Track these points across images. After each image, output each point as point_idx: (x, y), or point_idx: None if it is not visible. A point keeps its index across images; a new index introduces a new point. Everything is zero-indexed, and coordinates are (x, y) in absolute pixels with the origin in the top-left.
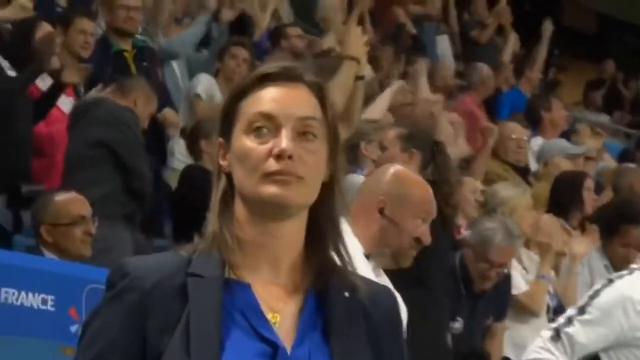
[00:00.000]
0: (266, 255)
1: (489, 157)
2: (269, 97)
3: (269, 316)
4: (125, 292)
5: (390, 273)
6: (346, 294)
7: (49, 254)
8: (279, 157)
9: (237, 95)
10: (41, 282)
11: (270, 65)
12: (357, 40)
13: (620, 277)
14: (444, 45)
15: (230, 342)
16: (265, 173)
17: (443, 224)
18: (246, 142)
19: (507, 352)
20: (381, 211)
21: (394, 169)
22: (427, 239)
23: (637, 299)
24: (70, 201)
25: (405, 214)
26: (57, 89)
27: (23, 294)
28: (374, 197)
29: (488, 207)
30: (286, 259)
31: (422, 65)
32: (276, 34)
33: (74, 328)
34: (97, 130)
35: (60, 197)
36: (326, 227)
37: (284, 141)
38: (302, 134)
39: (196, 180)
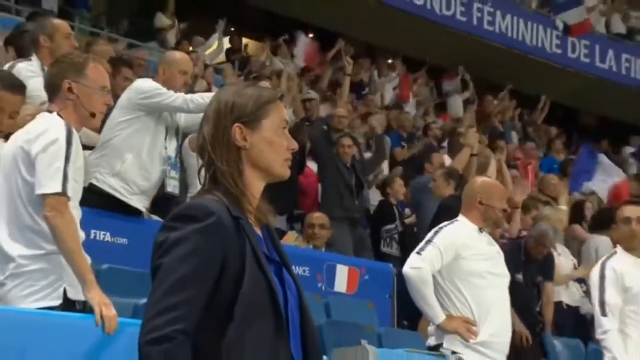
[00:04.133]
0: (254, 204)
1: None
2: (284, 110)
3: None
4: (215, 226)
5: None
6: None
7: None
8: (291, 150)
9: (268, 102)
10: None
11: (279, 89)
12: (473, 136)
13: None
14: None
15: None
16: (286, 159)
17: None
18: (277, 136)
19: None
20: (480, 202)
21: (480, 179)
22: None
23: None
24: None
25: (494, 200)
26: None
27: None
28: (474, 196)
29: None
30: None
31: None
32: None
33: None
34: None
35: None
36: None
37: (294, 141)
38: None
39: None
